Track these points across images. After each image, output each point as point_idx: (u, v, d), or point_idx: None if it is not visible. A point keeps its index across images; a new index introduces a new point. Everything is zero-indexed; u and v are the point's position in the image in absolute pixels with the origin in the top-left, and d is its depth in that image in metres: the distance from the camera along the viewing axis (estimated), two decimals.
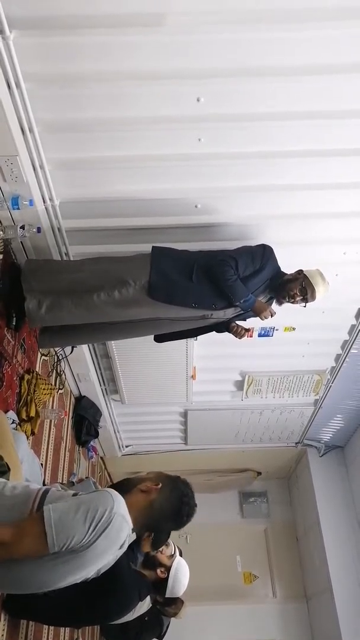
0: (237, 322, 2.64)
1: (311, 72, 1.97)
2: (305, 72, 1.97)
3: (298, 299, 2.53)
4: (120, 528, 1.49)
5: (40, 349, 3.01)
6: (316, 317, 3.29)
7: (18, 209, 2.31)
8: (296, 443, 5.29)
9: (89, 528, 1.43)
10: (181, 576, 2.71)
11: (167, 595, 2.68)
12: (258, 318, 2.58)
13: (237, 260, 2.42)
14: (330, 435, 5.10)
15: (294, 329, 3.47)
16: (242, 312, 2.54)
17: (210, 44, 1.89)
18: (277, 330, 3.42)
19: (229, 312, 2.53)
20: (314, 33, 1.86)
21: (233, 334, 2.62)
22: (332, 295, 2.74)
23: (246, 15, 1.80)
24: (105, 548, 1.49)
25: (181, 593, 2.73)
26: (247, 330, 2.66)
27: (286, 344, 3.61)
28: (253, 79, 2.00)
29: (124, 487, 1.64)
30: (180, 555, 2.92)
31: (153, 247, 2.51)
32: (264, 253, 2.50)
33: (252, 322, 2.80)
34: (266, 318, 2.52)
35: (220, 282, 2.40)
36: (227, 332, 2.67)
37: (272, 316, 2.54)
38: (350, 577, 4.73)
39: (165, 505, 1.64)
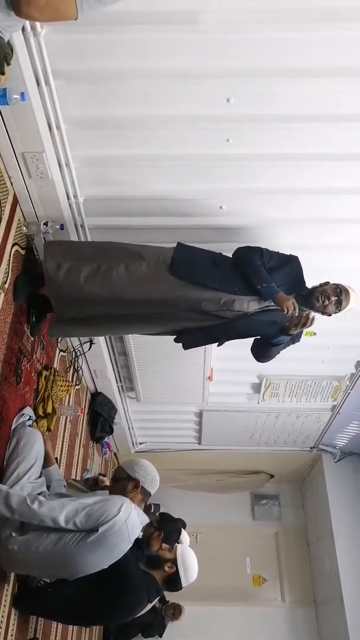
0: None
1: (348, 74, 1.92)
2: (342, 73, 1.92)
3: (333, 299, 2.35)
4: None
5: (50, 337, 2.87)
6: (338, 323, 3.22)
7: None
8: (311, 448, 5.24)
9: None
10: (190, 562, 2.70)
11: (184, 584, 2.66)
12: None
13: (262, 250, 2.38)
14: (346, 441, 5.04)
15: (314, 333, 3.41)
16: (265, 307, 2.39)
17: (243, 44, 1.85)
18: None
19: (252, 305, 2.37)
20: (351, 33, 1.80)
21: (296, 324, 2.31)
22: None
23: (282, 14, 1.76)
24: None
25: (196, 575, 2.71)
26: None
27: (306, 349, 3.52)
28: (286, 80, 1.96)
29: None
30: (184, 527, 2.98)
31: (178, 242, 2.46)
32: (290, 256, 2.45)
33: None
34: (288, 310, 2.26)
35: (244, 263, 2.34)
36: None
37: (295, 310, 2.26)
38: None
39: None
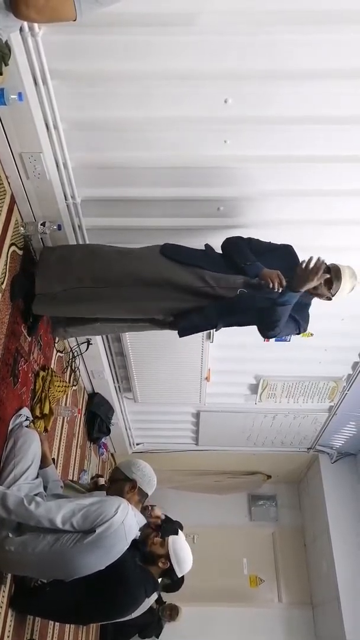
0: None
1: (347, 76, 1.92)
2: (342, 74, 1.92)
3: (322, 275, 2.17)
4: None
5: (35, 313, 2.62)
6: (335, 324, 3.25)
7: None
8: (308, 448, 5.25)
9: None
10: (182, 554, 2.68)
11: (179, 575, 2.66)
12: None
13: (251, 239, 2.42)
14: (343, 442, 5.06)
15: (311, 334, 3.42)
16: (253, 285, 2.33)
17: (242, 45, 1.85)
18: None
19: (239, 281, 2.32)
20: (349, 36, 1.81)
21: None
22: (352, 302, 2.68)
23: (281, 16, 1.76)
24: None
25: (190, 564, 2.71)
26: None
27: (303, 350, 3.56)
28: (285, 81, 1.96)
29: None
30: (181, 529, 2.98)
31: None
32: (282, 244, 2.44)
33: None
34: (273, 283, 2.21)
35: (229, 247, 2.40)
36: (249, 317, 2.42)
37: (282, 285, 2.21)
38: (359, 588, 4.67)
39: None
